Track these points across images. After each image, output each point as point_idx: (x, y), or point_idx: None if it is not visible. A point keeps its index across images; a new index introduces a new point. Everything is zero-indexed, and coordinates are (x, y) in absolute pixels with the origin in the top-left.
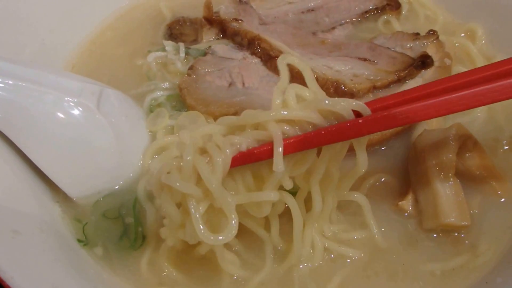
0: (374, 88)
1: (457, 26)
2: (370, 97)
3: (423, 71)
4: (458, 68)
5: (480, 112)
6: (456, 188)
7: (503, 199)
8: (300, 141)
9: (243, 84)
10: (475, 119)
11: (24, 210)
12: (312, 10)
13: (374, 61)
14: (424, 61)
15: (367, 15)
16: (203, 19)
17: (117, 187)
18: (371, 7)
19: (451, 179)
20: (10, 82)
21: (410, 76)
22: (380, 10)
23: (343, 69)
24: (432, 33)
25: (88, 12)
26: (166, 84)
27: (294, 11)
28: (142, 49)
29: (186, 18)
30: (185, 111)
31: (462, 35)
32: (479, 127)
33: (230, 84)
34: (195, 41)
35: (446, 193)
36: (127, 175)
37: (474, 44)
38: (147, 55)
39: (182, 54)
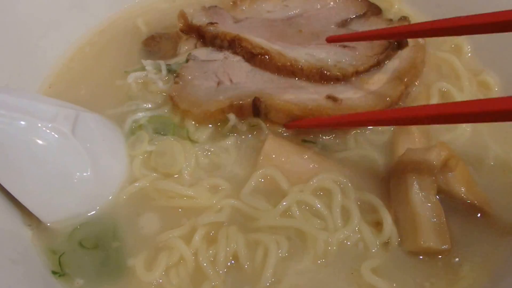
0: (357, 72)
1: (443, 40)
2: (352, 80)
3: (399, 52)
4: (442, 84)
5: (465, 130)
6: (437, 210)
7: (485, 219)
8: None
9: (231, 81)
10: (460, 137)
11: None
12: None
13: (353, 47)
14: (399, 42)
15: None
16: (179, 32)
17: (94, 211)
18: (351, 15)
19: (432, 200)
20: None
21: (388, 57)
22: (361, 17)
23: (325, 56)
24: (404, 19)
25: (65, 30)
26: (149, 105)
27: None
28: (121, 66)
29: (160, 34)
30: (167, 134)
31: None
32: (463, 145)
33: (218, 83)
34: (174, 55)
35: (426, 216)
36: (104, 200)
37: (460, 58)
38: (125, 75)
39: (164, 72)
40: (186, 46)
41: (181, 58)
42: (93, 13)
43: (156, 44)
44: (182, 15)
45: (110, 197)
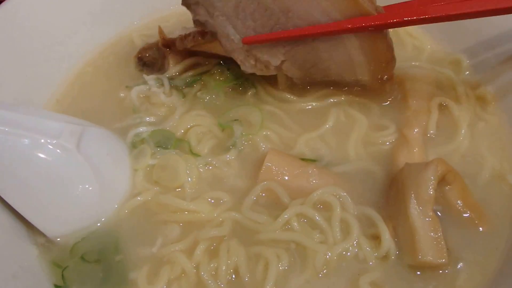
0: None
1: (443, 56)
2: None
3: None
4: (441, 99)
5: (463, 142)
6: (435, 224)
7: (482, 232)
8: None
9: None
10: (458, 149)
11: None
12: None
13: None
14: None
15: None
16: (161, 47)
17: (99, 224)
18: None
19: (430, 215)
20: None
21: None
22: None
23: None
24: None
25: (72, 46)
26: (152, 119)
27: None
28: (125, 82)
29: (150, 44)
30: (169, 148)
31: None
32: (461, 156)
33: None
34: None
35: (424, 230)
36: (107, 213)
37: (459, 73)
38: (126, 90)
39: (167, 87)
40: (172, 63)
41: (188, 76)
42: (100, 30)
43: (148, 56)
44: (160, 31)
45: (112, 211)
